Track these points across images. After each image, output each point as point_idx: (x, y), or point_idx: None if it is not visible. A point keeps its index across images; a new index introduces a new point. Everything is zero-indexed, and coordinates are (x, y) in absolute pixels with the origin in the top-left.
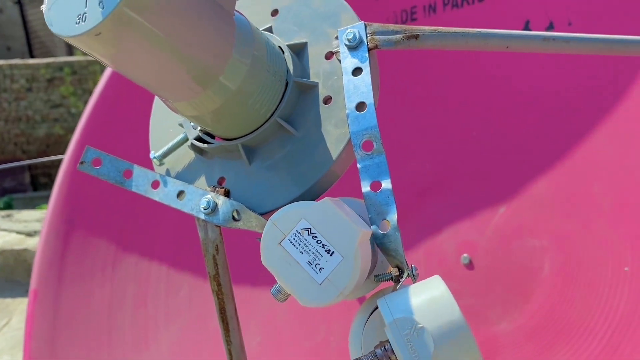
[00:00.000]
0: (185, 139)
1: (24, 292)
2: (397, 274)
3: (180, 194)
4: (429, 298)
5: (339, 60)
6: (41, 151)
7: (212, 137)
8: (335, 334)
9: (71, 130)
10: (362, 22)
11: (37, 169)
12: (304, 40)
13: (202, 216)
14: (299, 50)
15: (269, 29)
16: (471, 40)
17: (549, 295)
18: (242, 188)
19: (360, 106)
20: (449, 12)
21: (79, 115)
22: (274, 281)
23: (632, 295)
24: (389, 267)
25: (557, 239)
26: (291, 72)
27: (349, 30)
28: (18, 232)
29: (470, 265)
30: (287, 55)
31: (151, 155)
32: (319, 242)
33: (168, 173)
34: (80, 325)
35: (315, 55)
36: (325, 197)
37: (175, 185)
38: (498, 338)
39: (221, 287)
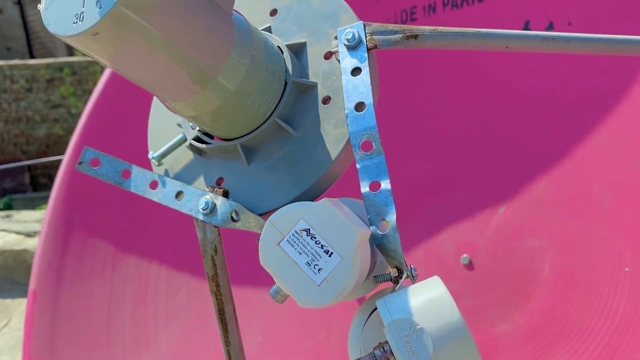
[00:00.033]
0: (184, 139)
1: (23, 293)
2: (397, 274)
3: (178, 194)
4: (428, 299)
5: (338, 60)
6: (41, 151)
7: (211, 137)
8: (336, 333)
9: (71, 131)
10: (361, 22)
11: (36, 169)
12: (303, 40)
13: (201, 217)
14: (298, 50)
15: (268, 29)
16: (471, 40)
17: (548, 296)
18: (240, 188)
19: (360, 106)
20: (449, 12)
21: (78, 115)
22: (274, 281)
23: (632, 296)
24: (388, 268)
25: (557, 239)
26: (290, 72)
27: (348, 30)
28: (18, 233)
29: (470, 266)
30: (286, 55)
31: (150, 156)
32: (317, 242)
33: (167, 173)
34: (79, 326)
35: (314, 55)
36: (324, 198)
37: (173, 185)
38: (498, 339)
39: (220, 288)
